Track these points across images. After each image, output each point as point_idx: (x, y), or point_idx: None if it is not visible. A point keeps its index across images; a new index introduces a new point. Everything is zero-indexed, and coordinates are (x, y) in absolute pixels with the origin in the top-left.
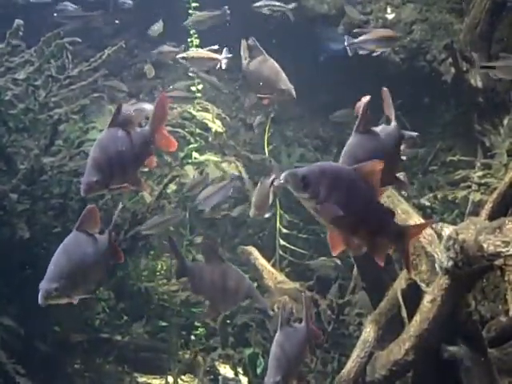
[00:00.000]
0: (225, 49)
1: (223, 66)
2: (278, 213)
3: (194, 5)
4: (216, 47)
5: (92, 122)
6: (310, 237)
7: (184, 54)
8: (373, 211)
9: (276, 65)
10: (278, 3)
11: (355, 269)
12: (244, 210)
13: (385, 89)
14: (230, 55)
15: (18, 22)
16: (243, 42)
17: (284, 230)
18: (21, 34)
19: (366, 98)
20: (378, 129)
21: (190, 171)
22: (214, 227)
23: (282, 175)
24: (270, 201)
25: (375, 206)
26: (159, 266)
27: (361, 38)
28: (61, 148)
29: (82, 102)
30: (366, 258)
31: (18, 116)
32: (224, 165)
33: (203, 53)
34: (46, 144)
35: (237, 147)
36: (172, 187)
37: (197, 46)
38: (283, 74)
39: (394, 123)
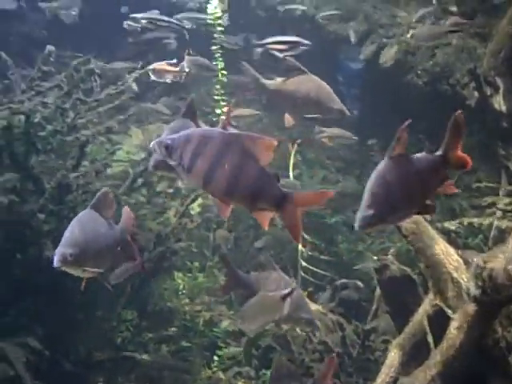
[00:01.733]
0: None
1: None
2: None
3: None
4: (174, 61)
5: (118, 143)
6: (331, 258)
7: (150, 67)
8: (251, 176)
9: (324, 83)
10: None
11: (377, 291)
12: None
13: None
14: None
15: (50, 48)
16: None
17: (306, 252)
18: (52, 59)
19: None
20: (418, 155)
21: None
22: (237, 248)
23: (151, 144)
24: (277, 317)
25: (255, 170)
26: (181, 286)
27: None
28: (87, 169)
29: (109, 123)
30: (391, 282)
31: (47, 138)
32: None
33: (164, 65)
34: (73, 165)
35: None
36: (196, 208)
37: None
38: (333, 93)
39: (439, 152)
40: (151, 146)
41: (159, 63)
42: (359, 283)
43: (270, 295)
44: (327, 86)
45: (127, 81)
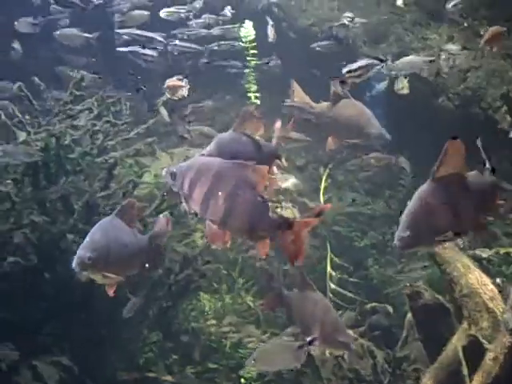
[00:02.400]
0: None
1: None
2: (328, 256)
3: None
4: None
5: (146, 166)
6: (360, 281)
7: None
8: (246, 204)
9: (366, 108)
10: None
11: (407, 317)
12: None
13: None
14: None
15: (83, 73)
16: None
17: (334, 274)
18: (84, 84)
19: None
20: (469, 174)
21: None
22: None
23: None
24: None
25: (251, 198)
26: (207, 307)
27: None
28: (115, 190)
29: (137, 146)
30: (424, 310)
31: (76, 159)
32: (278, 210)
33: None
34: (101, 186)
35: (293, 193)
36: None
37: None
38: (374, 118)
39: (486, 173)
40: (163, 172)
41: (171, 79)
42: (389, 308)
43: (288, 344)
44: (368, 112)
45: (156, 105)
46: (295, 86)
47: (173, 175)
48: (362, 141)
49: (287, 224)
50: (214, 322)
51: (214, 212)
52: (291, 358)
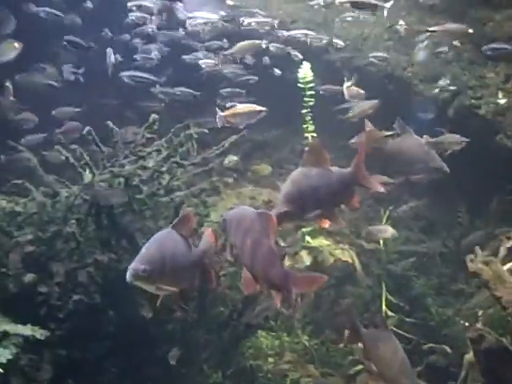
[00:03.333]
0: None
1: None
2: (383, 294)
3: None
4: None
5: (212, 205)
6: (417, 321)
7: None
8: (261, 254)
9: (423, 142)
10: None
11: (466, 357)
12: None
13: None
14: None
15: (154, 117)
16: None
17: (390, 313)
18: (156, 127)
19: None
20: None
21: (305, 257)
22: (318, 307)
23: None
24: None
25: (264, 249)
26: (265, 345)
27: None
28: None
29: (202, 185)
30: (487, 354)
31: (143, 199)
32: (337, 251)
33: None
34: (167, 225)
35: (350, 235)
36: None
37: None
38: (433, 152)
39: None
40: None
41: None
42: (447, 348)
43: None
44: (426, 146)
45: (224, 145)
46: (367, 124)
47: (224, 222)
48: (422, 174)
49: (291, 280)
50: (271, 360)
51: (242, 260)
52: None
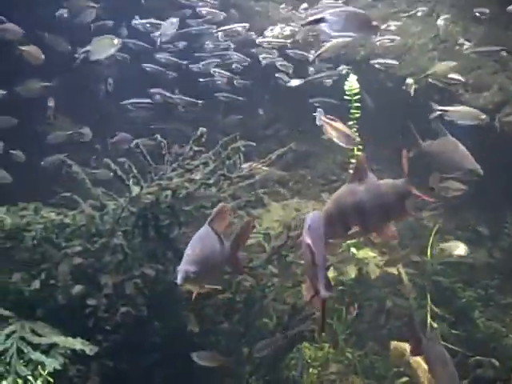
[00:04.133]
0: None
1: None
2: (428, 305)
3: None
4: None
5: (257, 217)
6: (462, 333)
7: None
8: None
9: (461, 145)
10: None
11: None
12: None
13: None
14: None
15: (202, 130)
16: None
17: (434, 324)
18: (203, 140)
19: None
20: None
21: (352, 270)
22: (361, 317)
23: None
24: None
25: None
26: (307, 356)
27: None
28: None
29: (247, 197)
30: None
31: (190, 211)
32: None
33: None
34: None
35: (399, 250)
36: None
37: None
38: (469, 154)
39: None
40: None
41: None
42: (495, 361)
43: None
44: (463, 148)
45: (271, 157)
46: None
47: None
48: (458, 175)
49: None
50: (314, 371)
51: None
52: None
